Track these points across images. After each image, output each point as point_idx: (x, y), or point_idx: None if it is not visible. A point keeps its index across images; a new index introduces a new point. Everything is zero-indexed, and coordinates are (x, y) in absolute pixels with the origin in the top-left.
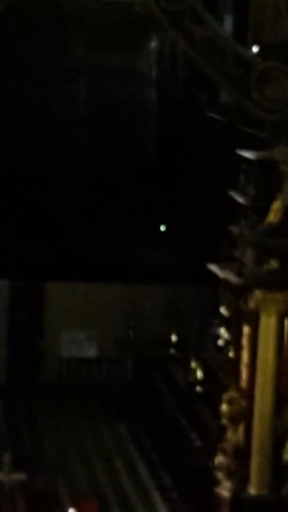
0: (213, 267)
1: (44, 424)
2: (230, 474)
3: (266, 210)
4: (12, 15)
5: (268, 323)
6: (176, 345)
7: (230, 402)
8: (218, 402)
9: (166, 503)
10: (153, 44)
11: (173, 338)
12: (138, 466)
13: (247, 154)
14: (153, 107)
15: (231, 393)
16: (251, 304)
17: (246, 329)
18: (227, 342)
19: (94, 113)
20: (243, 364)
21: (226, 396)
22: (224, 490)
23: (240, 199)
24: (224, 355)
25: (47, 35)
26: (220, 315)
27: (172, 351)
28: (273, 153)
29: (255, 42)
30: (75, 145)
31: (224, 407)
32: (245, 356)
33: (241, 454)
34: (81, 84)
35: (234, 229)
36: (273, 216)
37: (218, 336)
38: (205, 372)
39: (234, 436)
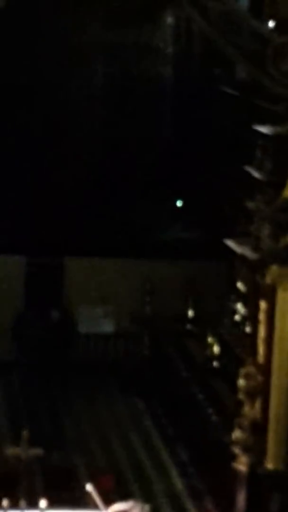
0: (230, 243)
1: (61, 400)
2: (247, 449)
3: (282, 185)
4: None
5: (285, 298)
6: (193, 320)
7: (247, 377)
8: (235, 377)
9: (183, 478)
10: (169, 19)
11: (190, 313)
12: (155, 441)
13: (263, 129)
14: (169, 83)
15: (248, 368)
16: (268, 279)
17: (262, 304)
18: (243, 317)
19: (110, 89)
20: (260, 339)
21: (243, 371)
22: (241, 465)
23: (256, 174)
24: (241, 330)
25: (63, 14)
26: (237, 290)
27: (188, 326)
28: None
29: (271, 17)
30: (92, 121)
31: (241, 382)
32: (262, 331)
33: (258, 429)
34: (97, 61)
35: (251, 204)
36: None
37: (234, 312)
38: (221, 347)
39: (251, 411)
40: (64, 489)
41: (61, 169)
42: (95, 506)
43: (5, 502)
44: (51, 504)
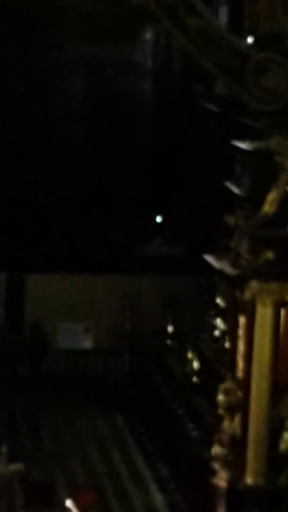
0: (209, 258)
1: (41, 415)
2: (226, 464)
3: (262, 201)
4: (8, 9)
5: (264, 313)
6: (172, 336)
7: (226, 392)
8: (215, 392)
9: (162, 494)
10: (149, 35)
11: (169, 329)
12: (135, 457)
13: (243, 145)
14: (149, 98)
15: (227, 384)
16: (247, 294)
17: (242, 320)
18: (223, 333)
19: (91, 104)
20: (239, 354)
21: (222, 386)
22: (221, 480)
23: (235, 190)
24: (220, 346)
25: (44, 28)
26: (216, 305)
27: (168, 342)
28: (268, 143)
29: (250, 33)
30: (73, 136)
31: (220, 397)
32: (241, 346)
33: (238, 444)
34: (78, 76)
35: (230, 220)
36: (268, 207)
37: (214, 327)
38: (201, 363)
39: (230, 426)
40: (44, 504)
41: (42, 188)
42: None
43: None
44: None
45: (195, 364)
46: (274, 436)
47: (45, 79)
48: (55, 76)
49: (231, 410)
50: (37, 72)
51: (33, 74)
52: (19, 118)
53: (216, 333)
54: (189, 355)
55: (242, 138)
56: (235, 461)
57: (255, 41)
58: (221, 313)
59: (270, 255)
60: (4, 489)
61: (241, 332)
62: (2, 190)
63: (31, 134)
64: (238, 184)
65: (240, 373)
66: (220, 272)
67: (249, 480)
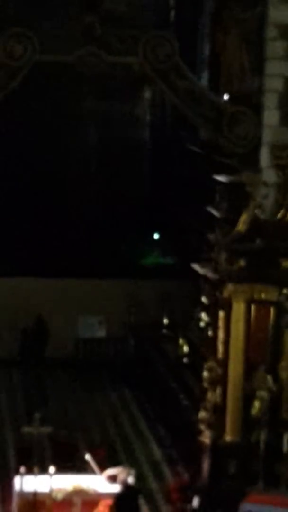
0: (196, 266)
1: (65, 390)
2: (210, 426)
3: (235, 222)
4: (36, 74)
5: (238, 309)
6: (167, 326)
7: (209, 370)
8: (200, 370)
9: (161, 449)
10: (147, 94)
11: (165, 321)
12: (139, 421)
13: (221, 178)
14: (147, 143)
15: (210, 363)
16: (225, 294)
17: (221, 314)
18: (206, 324)
19: (101, 148)
20: (219, 340)
21: (206, 365)
22: (206, 438)
23: (215, 213)
24: (205, 334)
25: (64, 89)
26: (201, 303)
27: (164, 331)
28: (241, 177)
29: (226, 92)
30: (88, 172)
31: (205, 374)
32: (221, 334)
33: (219, 410)
34: (91, 126)
35: (211, 237)
36: (241, 226)
37: (200, 319)
38: (190, 347)
39: (213, 396)
40: (68, 459)
41: (64, 212)
42: (92, 472)
43: (22, 469)
44: (58, 471)
45: (185, 348)
46: (247, 404)
47: (66, 127)
48: (74, 125)
49: (213, 383)
50: (60, 122)
51: (57, 123)
52: (46, 158)
53: (201, 324)
54: (180, 341)
55: (220, 173)
56: (217, 423)
57: (230, 98)
58: (205, 308)
59: (242, 263)
60: (37, 447)
61: (220, 323)
62: (37, 214)
63: (56, 170)
64: (217, 209)
65: (220, 355)
66: (204, 277)
67: (228, 437)
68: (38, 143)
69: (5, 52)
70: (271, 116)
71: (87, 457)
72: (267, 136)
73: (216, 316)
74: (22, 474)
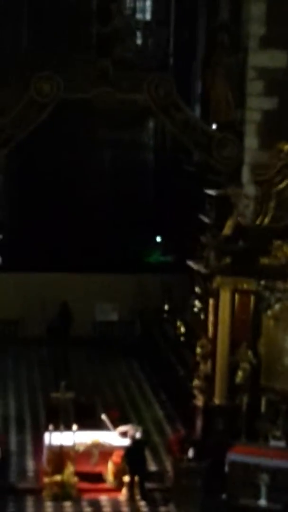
0: (191, 263)
1: (85, 364)
2: (202, 391)
3: (222, 227)
4: (59, 108)
5: (225, 297)
6: (168, 311)
7: (202, 346)
8: (194, 346)
9: (163, 410)
10: (150, 124)
11: (166, 307)
12: (145, 387)
13: (211, 192)
14: (151, 164)
15: (202, 341)
16: (214, 285)
17: (211, 301)
18: (199, 309)
19: (113, 169)
20: (210, 322)
21: (199, 342)
22: (199, 401)
23: (206, 220)
24: (198, 317)
25: (82, 120)
26: (195, 292)
27: (165, 315)
28: (227, 191)
29: (214, 122)
30: (102, 189)
31: (198, 349)
32: (211, 317)
33: (209, 379)
34: (104, 151)
35: (203, 239)
36: (227, 230)
37: (194, 305)
38: (186, 328)
39: (204, 367)
40: (87, 418)
41: (81, 220)
42: (107, 429)
43: (50, 427)
44: (79, 428)
45: (182, 329)
46: (232, 373)
47: (83, 152)
48: (90, 150)
49: (205, 357)
50: (78, 147)
51: (76, 148)
52: (68, 177)
53: (195, 309)
54: (178, 323)
55: (210, 188)
56: (208, 389)
57: (217, 127)
58: (198, 297)
59: (228, 260)
60: (62, 409)
61: (210, 308)
62: (64, 223)
63: (77, 187)
64: (208, 216)
65: (210, 334)
66: (197, 272)
67: (216, 401)
68: (63, 164)
69: (36, 90)
70: (251, 141)
71: (103, 416)
72: (248, 157)
73: (207, 303)
74: (50, 431)
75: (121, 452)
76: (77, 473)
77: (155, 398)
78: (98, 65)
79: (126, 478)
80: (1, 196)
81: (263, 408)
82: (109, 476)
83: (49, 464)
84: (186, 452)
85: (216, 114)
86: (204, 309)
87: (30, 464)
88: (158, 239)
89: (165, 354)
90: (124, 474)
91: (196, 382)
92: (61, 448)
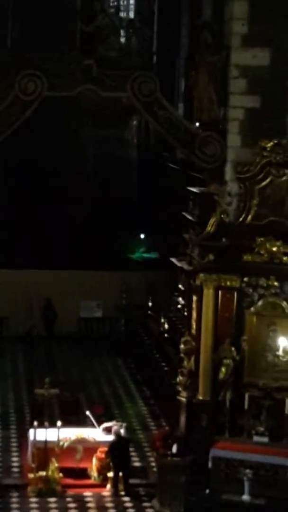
0: (174, 260)
1: (70, 360)
2: (186, 387)
3: (205, 224)
4: (43, 106)
5: (208, 294)
6: (152, 308)
7: (185, 343)
8: (178, 343)
9: (147, 406)
10: (134, 122)
11: (150, 304)
12: (129, 383)
13: (194, 189)
14: (135, 161)
15: (186, 337)
16: (197, 282)
17: (194, 298)
18: (183, 306)
19: (97, 166)
20: (193, 319)
21: (182, 339)
22: (182, 397)
23: (190, 217)
24: (181, 314)
25: (66, 117)
26: (179, 289)
27: (149, 312)
28: (209, 188)
29: (197, 120)
30: (88, 184)
31: (181, 346)
32: (194, 314)
33: (193, 375)
34: (89, 148)
35: (187, 236)
36: (210, 228)
37: (177, 302)
38: (169, 325)
39: (188, 364)
40: (72, 414)
41: (65, 217)
42: (92, 425)
43: (35, 423)
44: (64, 424)
45: (166, 325)
46: (215, 370)
47: (70, 149)
48: (76, 146)
49: (188, 353)
50: (66, 143)
51: (63, 145)
52: (53, 173)
53: (179, 306)
54: (162, 320)
55: (193, 185)
56: (191, 385)
57: (200, 125)
58: (182, 293)
59: (211, 257)
60: (47, 405)
61: (194, 305)
62: (47, 221)
63: (62, 183)
64: (191, 214)
65: (193, 331)
66: (181, 268)
67: (200, 397)
68: (48, 161)
69: (20, 89)
70: (234, 139)
71: (87, 413)
72: (230, 155)
73: (190, 299)
74: (35, 427)
75: (105, 448)
76: (62, 469)
77: (139, 394)
78: (82, 64)
79: (111, 474)
80: None
81: (246, 404)
82: (94, 472)
83: (34, 460)
84: (170, 448)
85: (199, 112)
86: (188, 305)
87: (14, 460)
88: (142, 236)
89: (149, 351)
90: (108, 470)
91: (179, 378)
92: (45, 444)
